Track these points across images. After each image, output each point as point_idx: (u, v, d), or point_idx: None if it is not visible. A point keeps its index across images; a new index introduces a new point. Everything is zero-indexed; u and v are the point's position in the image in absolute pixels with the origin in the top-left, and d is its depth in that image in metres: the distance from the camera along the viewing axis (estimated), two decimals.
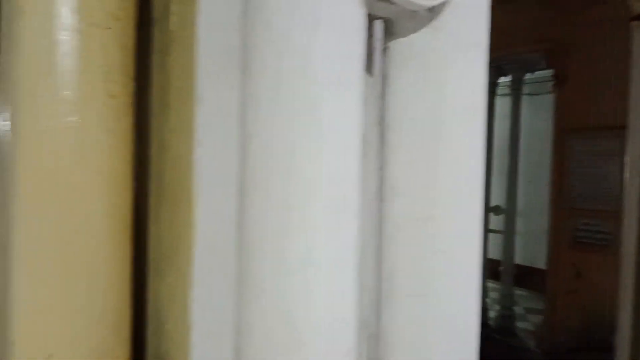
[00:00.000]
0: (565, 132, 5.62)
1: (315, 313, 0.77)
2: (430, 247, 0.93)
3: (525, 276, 7.32)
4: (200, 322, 0.92)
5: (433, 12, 0.90)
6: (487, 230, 6.19)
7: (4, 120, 0.84)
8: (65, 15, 0.80)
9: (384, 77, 0.96)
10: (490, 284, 6.64)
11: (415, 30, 0.91)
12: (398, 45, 0.93)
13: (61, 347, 0.82)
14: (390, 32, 0.95)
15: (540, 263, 6.59)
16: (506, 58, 5.98)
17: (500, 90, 6.65)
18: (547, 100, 6.35)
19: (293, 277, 0.76)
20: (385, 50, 0.96)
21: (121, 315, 0.89)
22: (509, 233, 6.43)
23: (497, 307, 6.46)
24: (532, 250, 7.61)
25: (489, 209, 6.39)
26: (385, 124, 0.94)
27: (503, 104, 6.58)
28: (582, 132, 5.50)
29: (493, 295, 6.69)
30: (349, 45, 0.78)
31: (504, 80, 6.55)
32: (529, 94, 7.33)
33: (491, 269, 6.37)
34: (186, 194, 0.94)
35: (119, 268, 0.88)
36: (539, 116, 7.55)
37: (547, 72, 6.04)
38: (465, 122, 0.92)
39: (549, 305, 5.91)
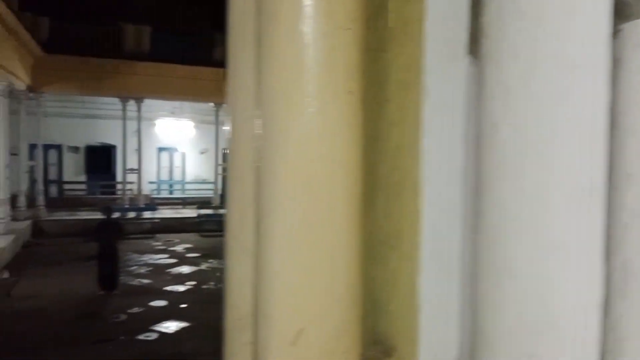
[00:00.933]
0: None
1: (567, 297, 0.77)
2: None
3: None
4: (428, 304, 0.96)
5: None
6: None
7: (259, 118, 0.94)
8: (315, 19, 0.88)
9: (615, 61, 0.93)
10: None
11: None
12: (634, 27, 0.90)
13: (311, 322, 0.90)
14: (622, 15, 0.91)
15: None
16: None
17: None
18: None
19: (545, 262, 0.77)
20: (616, 33, 0.92)
21: (355, 296, 0.96)
22: None
23: None
24: None
25: None
26: (618, 110, 0.91)
27: None
28: None
29: None
30: (599, 29, 0.77)
31: None
32: None
33: None
34: (411, 183, 0.98)
35: (353, 252, 0.95)
36: None
37: None
38: None
39: None
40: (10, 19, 12.66)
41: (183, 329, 8.71)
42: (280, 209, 0.90)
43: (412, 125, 0.98)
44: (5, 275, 11.11)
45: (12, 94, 15.01)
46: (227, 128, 1.21)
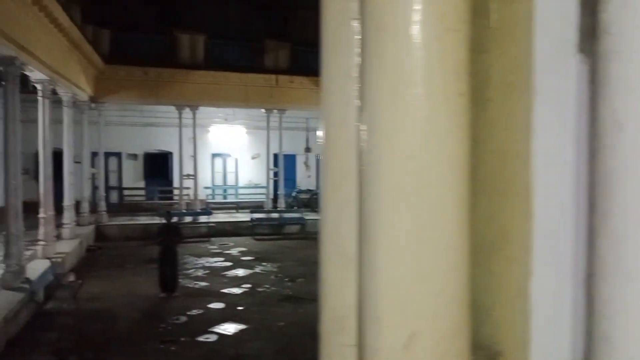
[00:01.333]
0: None
1: None
2: None
3: None
4: (539, 309, 0.95)
5: None
6: None
7: (363, 123, 0.95)
8: (426, 22, 0.88)
9: None
10: None
11: None
12: None
13: (423, 325, 0.90)
14: None
15: None
16: None
17: None
18: None
19: None
20: None
21: (465, 298, 0.95)
22: None
23: None
24: None
25: None
26: None
27: None
28: None
29: None
30: None
31: None
32: None
33: None
34: (520, 185, 0.97)
35: (462, 254, 0.94)
36: None
37: None
38: None
39: None
40: (75, 33, 13.30)
41: (241, 331, 8.87)
42: (390, 212, 0.91)
43: (520, 126, 0.96)
44: (71, 278, 11.64)
45: (75, 104, 15.75)
46: (320, 132, 1.23)
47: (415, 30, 0.88)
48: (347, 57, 1.11)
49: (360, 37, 1.07)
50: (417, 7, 0.87)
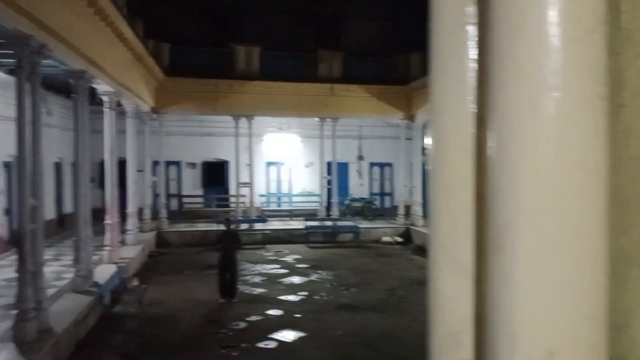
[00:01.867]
0: None
1: None
2: None
3: None
4: None
5: None
6: None
7: (491, 130, 0.92)
8: (561, 24, 0.84)
9: None
10: None
11: None
12: None
13: (562, 343, 0.86)
14: None
15: None
16: None
17: None
18: None
19: None
20: None
21: (605, 314, 0.90)
22: None
23: None
24: None
25: None
26: None
27: None
28: None
29: None
30: None
31: None
32: None
33: None
34: None
35: (603, 266, 0.89)
36: None
37: None
38: None
39: None
40: (139, 47, 13.85)
41: (300, 338, 8.88)
42: (528, 222, 0.87)
43: None
44: (135, 282, 12.03)
45: (138, 115, 16.36)
46: (429, 140, 1.20)
47: (554, 32, 0.84)
48: (462, 63, 1.08)
49: (478, 41, 1.04)
50: (555, 9, 0.84)
